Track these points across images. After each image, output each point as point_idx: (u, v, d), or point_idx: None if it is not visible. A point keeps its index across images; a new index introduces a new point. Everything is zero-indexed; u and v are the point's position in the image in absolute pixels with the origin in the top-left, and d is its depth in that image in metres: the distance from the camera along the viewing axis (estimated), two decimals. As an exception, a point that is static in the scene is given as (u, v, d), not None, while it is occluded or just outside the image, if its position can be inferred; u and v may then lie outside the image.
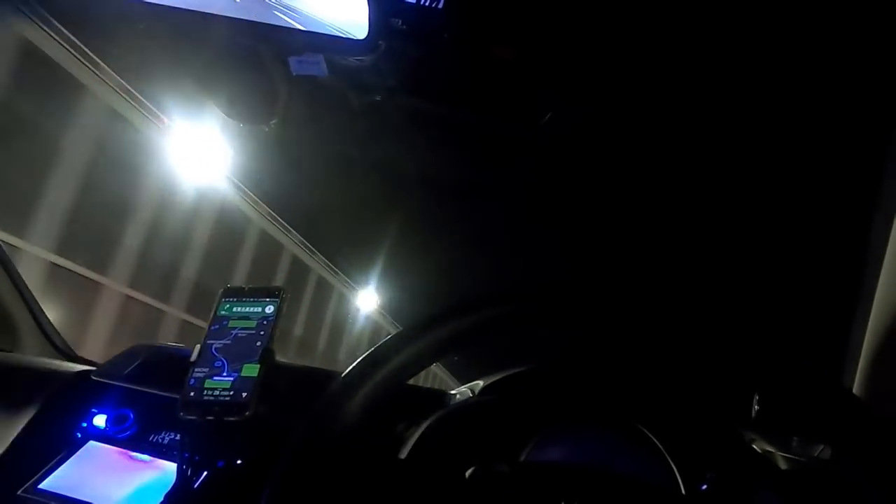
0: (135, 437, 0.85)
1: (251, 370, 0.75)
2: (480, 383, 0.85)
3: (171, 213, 6.11)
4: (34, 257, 4.76)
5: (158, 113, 5.64)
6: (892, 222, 0.85)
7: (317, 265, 9.08)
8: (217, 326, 0.79)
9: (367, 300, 10.05)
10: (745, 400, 0.78)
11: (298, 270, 8.57)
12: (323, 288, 9.34)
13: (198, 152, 5.91)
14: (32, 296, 1.24)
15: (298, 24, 0.77)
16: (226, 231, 7.04)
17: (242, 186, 7.19)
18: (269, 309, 0.79)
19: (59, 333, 1.27)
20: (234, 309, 0.80)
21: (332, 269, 9.32)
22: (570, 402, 0.83)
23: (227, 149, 5.98)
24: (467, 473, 0.65)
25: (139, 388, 0.92)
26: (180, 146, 5.80)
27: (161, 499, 0.69)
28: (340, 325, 9.86)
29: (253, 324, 0.78)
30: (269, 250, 7.97)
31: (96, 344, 5.30)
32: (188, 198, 6.24)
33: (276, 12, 0.78)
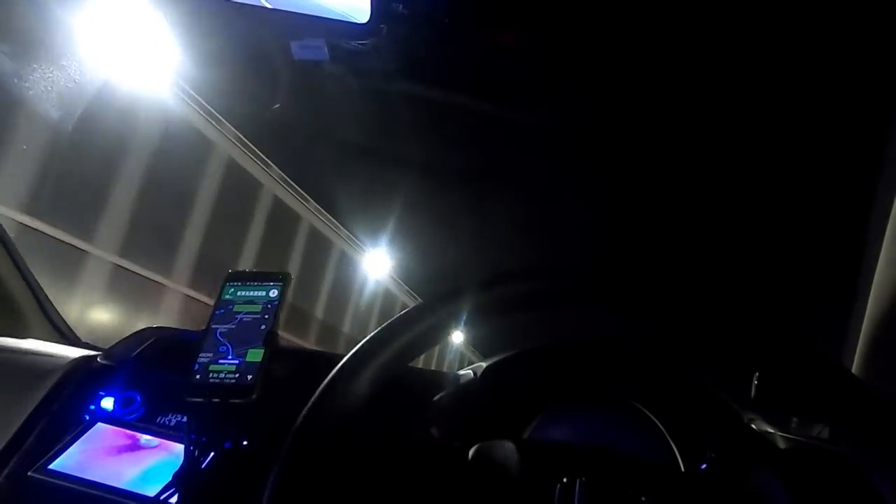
0: (142, 418, 0.86)
1: (256, 354, 0.75)
2: (483, 365, 0.85)
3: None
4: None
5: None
6: (891, 204, 0.85)
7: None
8: (222, 311, 0.80)
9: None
10: (744, 380, 0.78)
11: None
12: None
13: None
14: (37, 282, 1.25)
15: (300, 8, 0.77)
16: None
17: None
18: (274, 293, 0.80)
19: (63, 319, 1.28)
20: (239, 293, 0.81)
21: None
22: (571, 382, 0.83)
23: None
24: (471, 452, 0.66)
25: (146, 370, 0.93)
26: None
27: (169, 479, 0.71)
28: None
29: (258, 308, 0.79)
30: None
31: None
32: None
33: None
